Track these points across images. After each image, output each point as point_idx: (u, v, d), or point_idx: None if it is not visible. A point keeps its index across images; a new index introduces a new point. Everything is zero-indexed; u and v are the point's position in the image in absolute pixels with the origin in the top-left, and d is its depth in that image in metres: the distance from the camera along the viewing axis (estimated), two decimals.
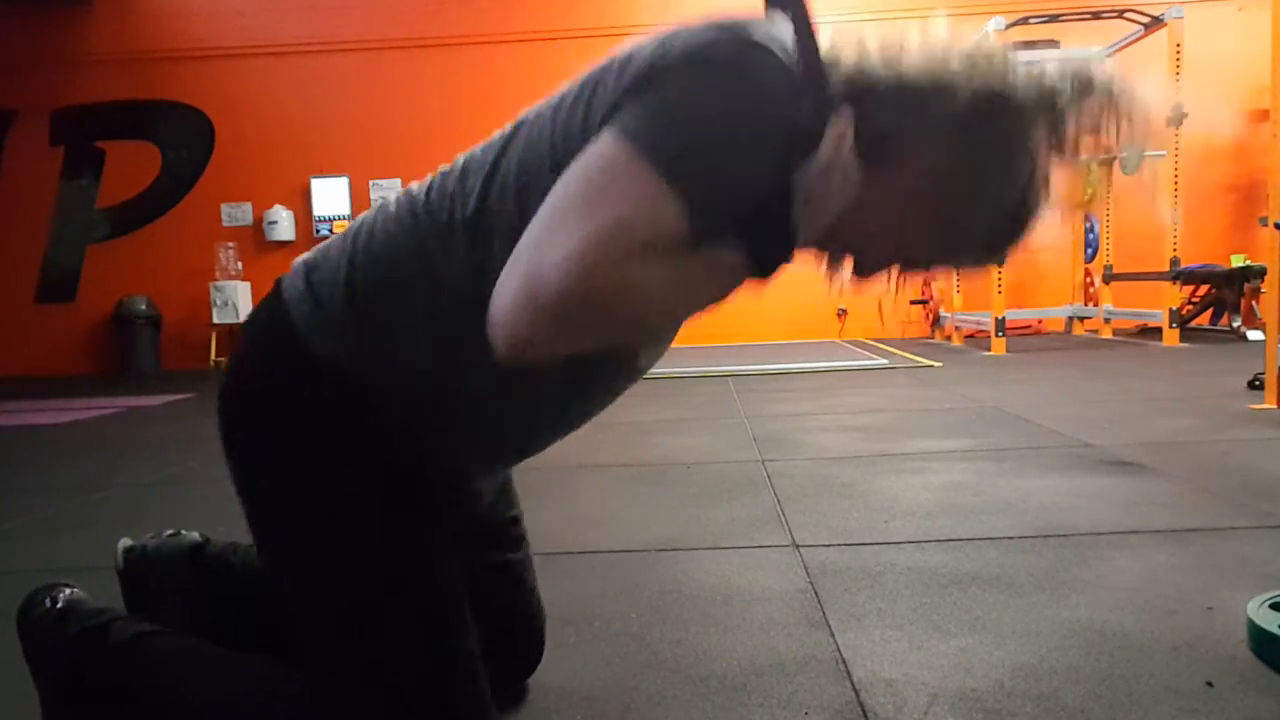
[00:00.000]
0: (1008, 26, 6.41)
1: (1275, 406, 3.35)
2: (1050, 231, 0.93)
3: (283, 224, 8.35)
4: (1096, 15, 6.89)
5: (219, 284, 8.03)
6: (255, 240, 8.46)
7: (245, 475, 0.95)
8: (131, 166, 8.53)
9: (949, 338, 7.48)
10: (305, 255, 0.99)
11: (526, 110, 0.94)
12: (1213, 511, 2.01)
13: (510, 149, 0.90)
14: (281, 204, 8.37)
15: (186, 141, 8.52)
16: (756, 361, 6.10)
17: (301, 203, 8.43)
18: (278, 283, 0.97)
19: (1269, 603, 1.31)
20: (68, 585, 1.12)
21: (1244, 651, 1.25)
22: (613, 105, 0.81)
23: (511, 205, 0.85)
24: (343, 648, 0.91)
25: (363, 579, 0.91)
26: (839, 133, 0.82)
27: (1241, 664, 1.22)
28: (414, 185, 0.96)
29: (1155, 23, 6.49)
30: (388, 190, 8.43)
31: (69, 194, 8.62)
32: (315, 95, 8.38)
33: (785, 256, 0.86)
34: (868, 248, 0.94)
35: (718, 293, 0.85)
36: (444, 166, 0.96)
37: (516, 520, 1.23)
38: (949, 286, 7.41)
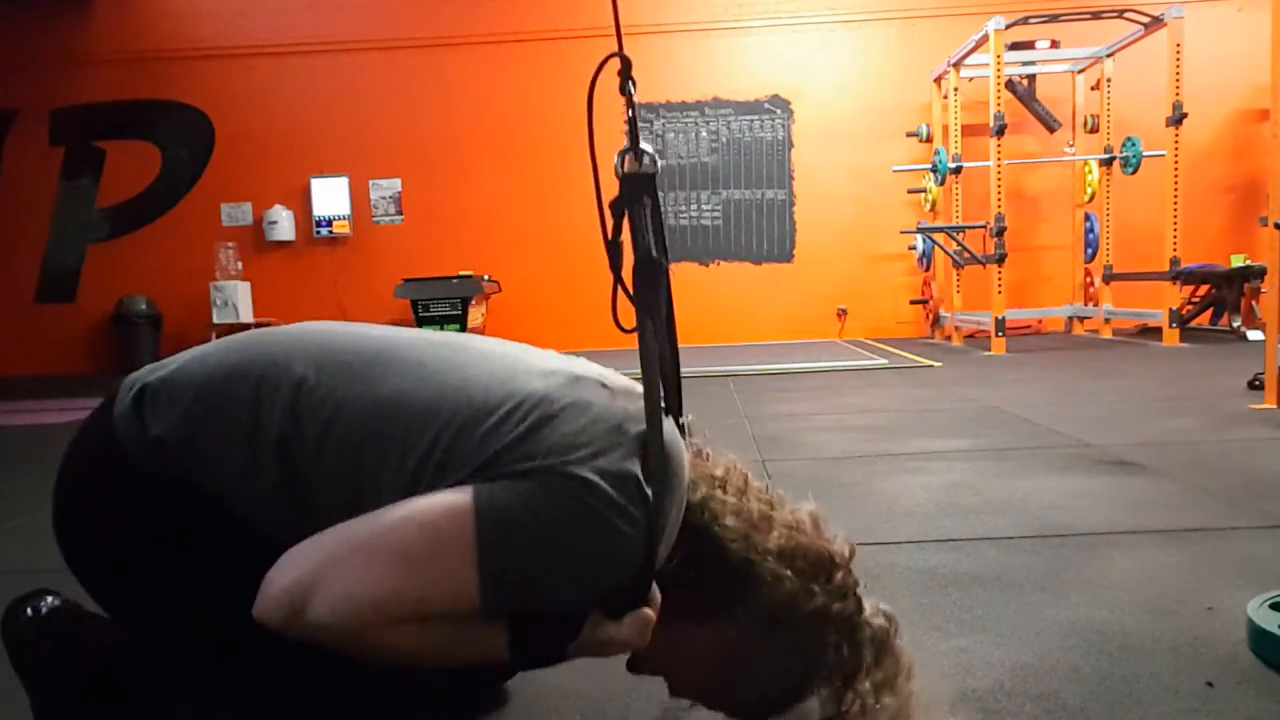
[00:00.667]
0: (1008, 26, 6.41)
1: (1275, 406, 3.35)
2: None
3: (283, 224, 8.35)
4: (1096, 15, 6.90)
5: (219, 284, 8.03)
6: (255, 240, 8.46)
7: (106, 591, 0.96)
8: (131, 166, 8.52)
9: (949, 338, 7.47)
10: (145, 377, 0.95)
11: (448, 360, 0.95)
12: (1213, 511, 2.01)
13: (405, 399, 0.89)
14: (281, 204, 8.36)
15: (186, 141, 8.52)
16: (756, 361, 6.10)
17: (301, 203, 8.43)
18: (107, 404, 0.95)
19: (1269, 603, 1.31)
20: (49, 593, 1.11)
21: (1244, 651, 1.25)
22: (498, 460, 0.83)
23: (372, 461, 0.86)
24: None
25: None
26: (643, 620, 0.88)
27: (1241, 664, 1.22)
28: (293, 368, 0.91)
29: (1155, 23, 6.49)
30: (386, 190, 8.43)
31: (69, 194, 8.61)
32: (315, 95, 8.38)
33: (548, 661, 0.91)
34: (644, 656, 0.97)
35: (470, 664, 0.88)
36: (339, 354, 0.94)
37: None
38: (949, 286, 7.42)
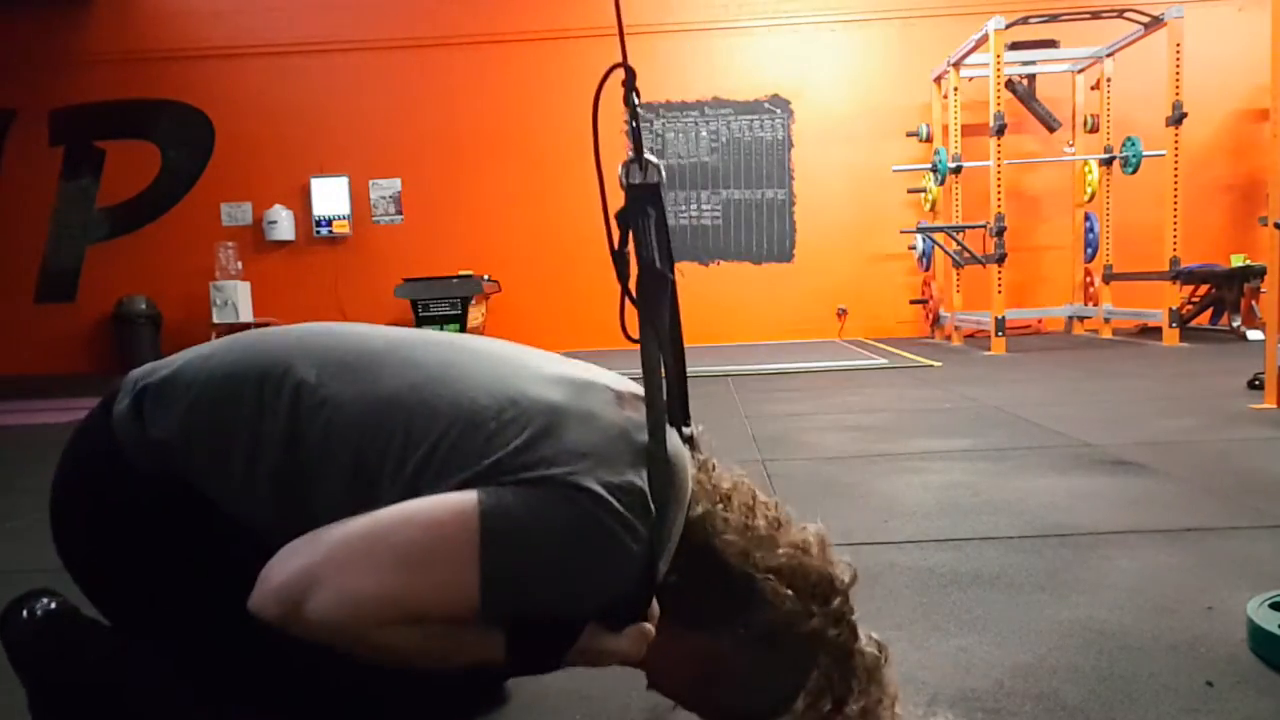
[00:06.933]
0: (1008, 26, 6.41)
1: (1275, 406, 3.35)
2: None
3: (283, 224, 8.35)
4: (1096, 15, 6.90)
5: (219, 284, 8.03)
6: (255, 240, 8.46)
7: (101, 593, 0.96)
8: (131, 166, 8.53)
9: (949, 337, 7.47)
10: (145, 377, 0.94)
11: (443, 360, 0.94)
12: (1213, 511, 2.01)
13: (407, 401, 0.88)
14: (281, 204, 8.37)
15: (186, 141, 8.52)
16: (756, 361, 6.10)
17: (301, 202, 8.43)
18: (106, 404, 0.94)
19: (1269, 602, 1.31)
20: (47, 594, 1.11)
21: (1244, 651, 1.25)
22: (501, 465, 0.83)
23: (373, 458, 0.86)
24: None
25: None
26: (641, 633, 0.88)
27: (1241, 664, 1.22)
28: (296, 369, 0.90)
29: (1155, 22, 6.50)
30: (386, 190, 8.43)
31: (69, 194, 8.61)
32: (315, 95, 8.38)
33: (544, 669, 0.91)
34: (648, 667, 0.98)
35: (465, 666, 0.88)
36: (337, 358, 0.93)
37: None
38: (949, 286, 7.42)
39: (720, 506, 0.94)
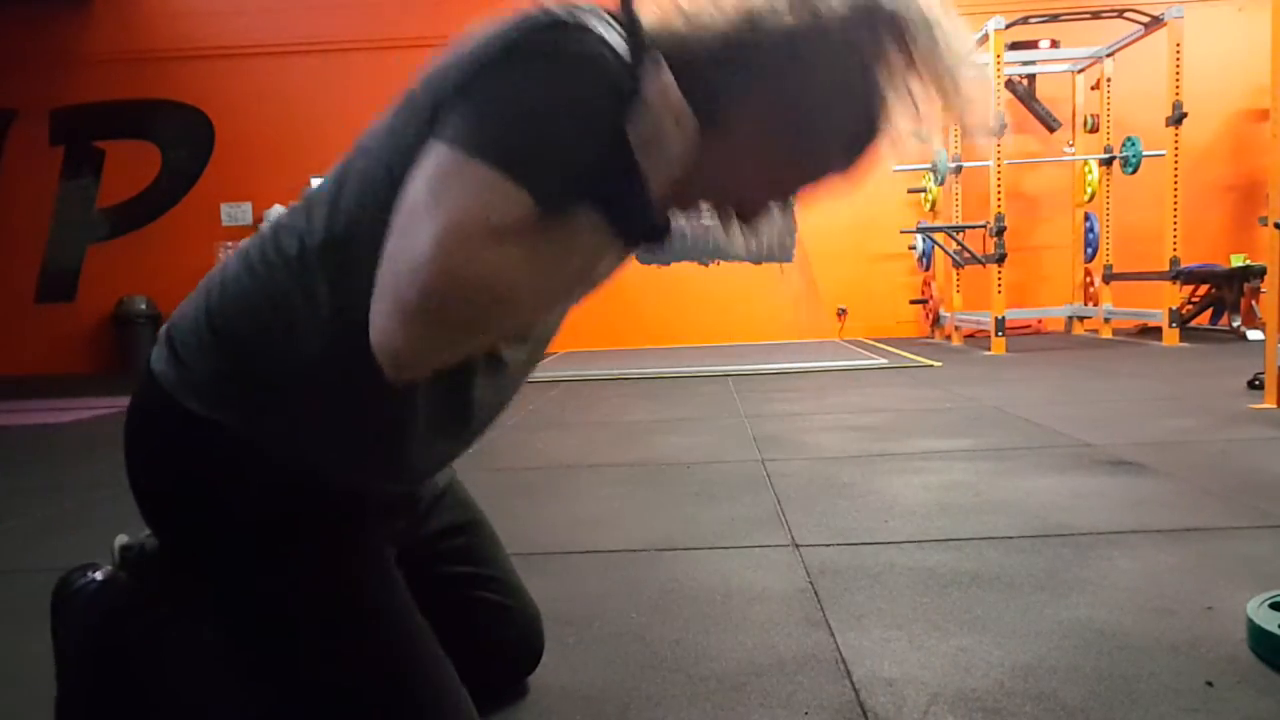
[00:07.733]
0: (1008, 26, 6.41)
1: (1275, 406, 3.35)
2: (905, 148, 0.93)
3: None
4: (1096, 15, 6.90)
5: None
6: None
7: (178, 548, 0.98)
8: (131, 166, 8.53)
9: (949, 337, 7.47)
10: (168, 322, 0.98)
11: (361, 136, 0.94)
12: (1213, 511, 2.01)
13: (349, 174, 0.90)
14: (281, 204, 8.35)
15: (186, 141, 8.52)
16: (756, 361, 6.09)
17: None
18: (148, 358, 0.97)
19: (1269, 602, 1.31)
20: (106, 565, 1.14)
21: (1244, 651, 1.25)
22: (440, 110, 0.81)
23: (361, 227, 0.85)
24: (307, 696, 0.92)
25: (306, 628, 0.91)
26: (660, 82, 0.83)
27: (1241, 664, 1.22)
28: (264, 227, 0.96)
29: (1155, 22, 6.50)
30: None
31: (69, 194, 8.61)
32: (315, 95, 8.38)
33: (643, 212, 0.86)
34: (738, 196, 0.94)
35: (586, 264, 0.85)
36: (293, 203, 0.97)
37: (467, 526, 1.23)
38: (949, 286, 7.42)
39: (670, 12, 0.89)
